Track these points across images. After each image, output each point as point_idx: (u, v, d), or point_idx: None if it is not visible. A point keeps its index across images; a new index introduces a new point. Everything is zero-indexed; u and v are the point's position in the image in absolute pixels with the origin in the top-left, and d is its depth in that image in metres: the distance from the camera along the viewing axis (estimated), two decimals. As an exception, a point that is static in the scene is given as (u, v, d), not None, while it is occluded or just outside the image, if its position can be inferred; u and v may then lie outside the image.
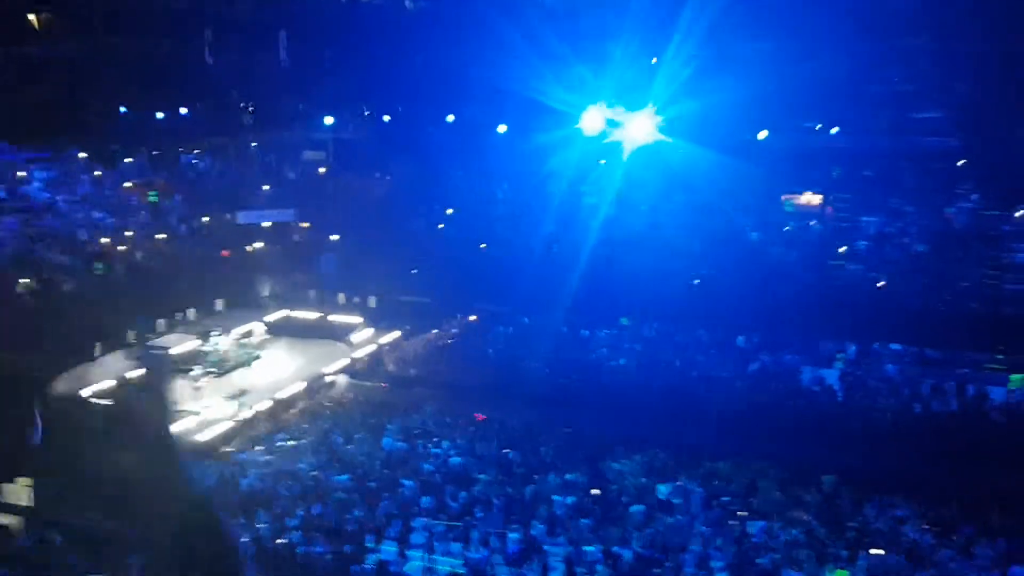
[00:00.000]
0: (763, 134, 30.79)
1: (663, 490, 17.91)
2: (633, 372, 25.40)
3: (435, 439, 20.71)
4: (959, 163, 30.72)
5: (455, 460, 19.41)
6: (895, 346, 25.61)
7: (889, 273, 27.73)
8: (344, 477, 18.59)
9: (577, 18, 31.60)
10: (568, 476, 18.46)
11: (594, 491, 17.85)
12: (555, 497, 17.51)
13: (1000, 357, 24.62)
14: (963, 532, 16.33)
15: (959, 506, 17.19)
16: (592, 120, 29.25)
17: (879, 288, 27.75)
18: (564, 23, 30.36)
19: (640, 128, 28.42)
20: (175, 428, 21.40)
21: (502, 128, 33.50)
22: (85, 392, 23.14)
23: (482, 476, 18.66)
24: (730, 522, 16.77)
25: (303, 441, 20.63)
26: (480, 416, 22.33)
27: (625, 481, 18.46)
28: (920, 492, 17.86)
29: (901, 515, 17.13)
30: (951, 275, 27.11)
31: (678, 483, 18.18)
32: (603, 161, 32.44)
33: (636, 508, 17.15)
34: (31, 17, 34.13)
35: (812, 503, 17.63)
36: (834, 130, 32.66)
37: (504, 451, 19.90)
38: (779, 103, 29.76)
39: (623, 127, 29.08)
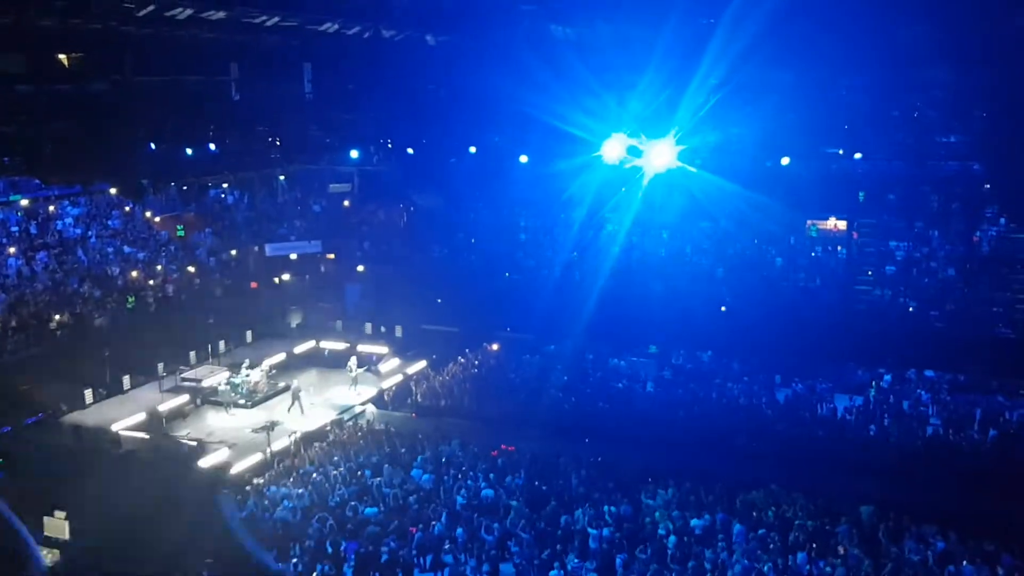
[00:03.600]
0: (785, 160, 30.76)
1: (696, 523, 17.77)
2: (661, 401, 25.30)
3: (464, 469, 20.71)
4: (985, 186, 30.54)
5: (486, 492, 19.39)
6: (928, 373, 25.41)
7: (918, 299, 27.54)
8: (373, 510, 18.64)
9: (598, 48, 31.82)
10: (602, 508, 18.37)
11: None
12: (590, 530, 17.43)
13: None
14: (1005, 563, 16.09)
15: (997, 535, 16.94)
16: (613, 148, 29.33)
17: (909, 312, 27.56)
18: (585, 54, 30.57)
19: (662, 156, 28.46)
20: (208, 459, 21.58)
21: (524, 158, 33.79)
22: (116, 425, 23.38)
23: (513, 503, 18.64)
24: (766, 554, 16.61)
25: (334, 472, 20.64)
26: (507, 447, 22.28)
27: (657, 514, 18.33)
28: (956, 521, 17.63)
29: (939, 546, 16.89)
30: (980, 300, 26.87)
31: (711, 516, 18.04)
32: (624, 189, 32.54)
33: (672, 540, 17.04)
34: (61, 56, 34.85)
35: (848, 534, 17.43)
36: (857, 155, 32.57)
37: (534, 483, 19.85)
38: (802, 130, 29.75)
39: (645, 155, 29.15)
